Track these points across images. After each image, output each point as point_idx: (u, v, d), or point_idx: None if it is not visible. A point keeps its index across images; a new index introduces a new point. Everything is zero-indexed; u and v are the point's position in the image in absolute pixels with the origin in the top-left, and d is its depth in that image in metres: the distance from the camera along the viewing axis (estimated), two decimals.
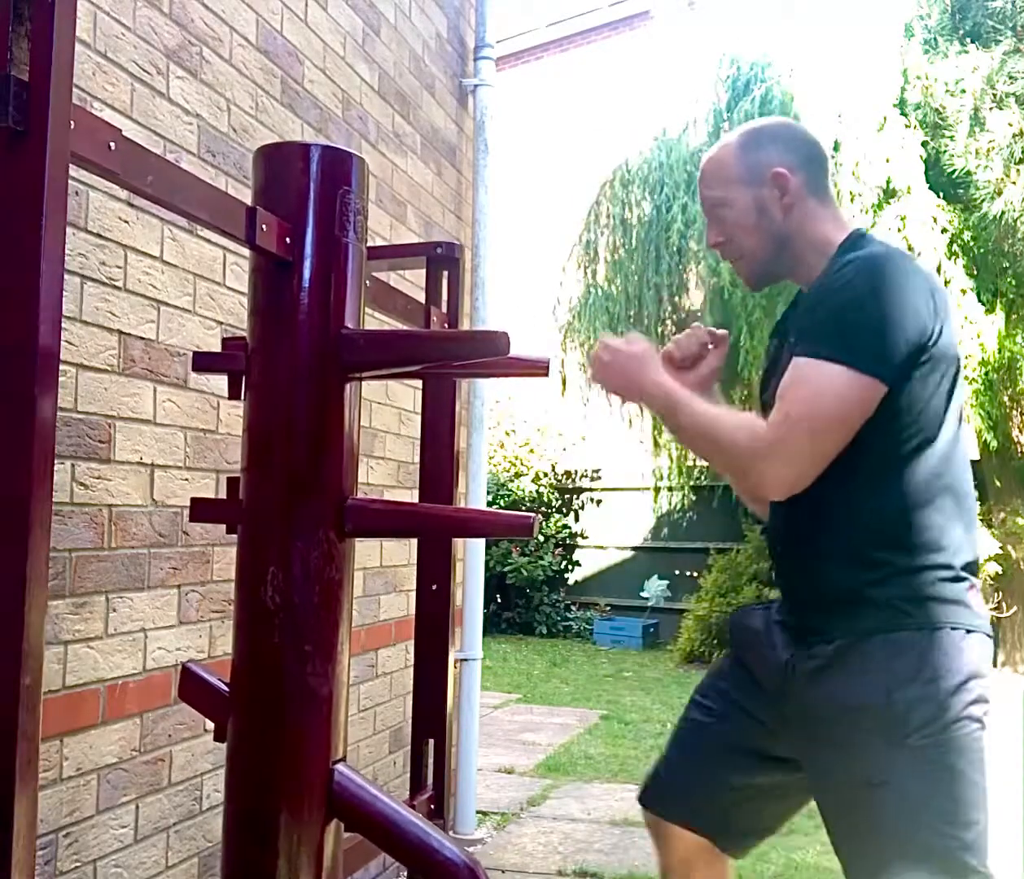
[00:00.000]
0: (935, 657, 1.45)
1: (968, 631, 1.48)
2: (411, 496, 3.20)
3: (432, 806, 1.93)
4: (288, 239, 1.30)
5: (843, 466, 1.48)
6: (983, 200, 6.87)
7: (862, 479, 1.49)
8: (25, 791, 0.97)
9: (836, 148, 7.36)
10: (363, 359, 1.36)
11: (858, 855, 1.50)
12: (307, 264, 1.32)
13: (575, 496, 11.11)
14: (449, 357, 1.52)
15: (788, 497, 1.53)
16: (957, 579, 1.49)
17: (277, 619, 1.28)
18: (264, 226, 1.26)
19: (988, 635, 1.53)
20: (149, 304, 2.04)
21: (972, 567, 1.52)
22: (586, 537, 10.86)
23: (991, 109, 6.86)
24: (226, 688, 1.37)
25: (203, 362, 1.74)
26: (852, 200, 7.30)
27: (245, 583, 1.33)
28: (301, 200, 1.33)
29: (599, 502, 10.88)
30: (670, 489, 9.60)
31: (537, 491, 10.82)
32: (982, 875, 1.48)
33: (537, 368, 1.75)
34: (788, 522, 1.61)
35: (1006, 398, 7.82)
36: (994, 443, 7.61)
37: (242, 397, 1.38)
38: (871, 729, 1.46)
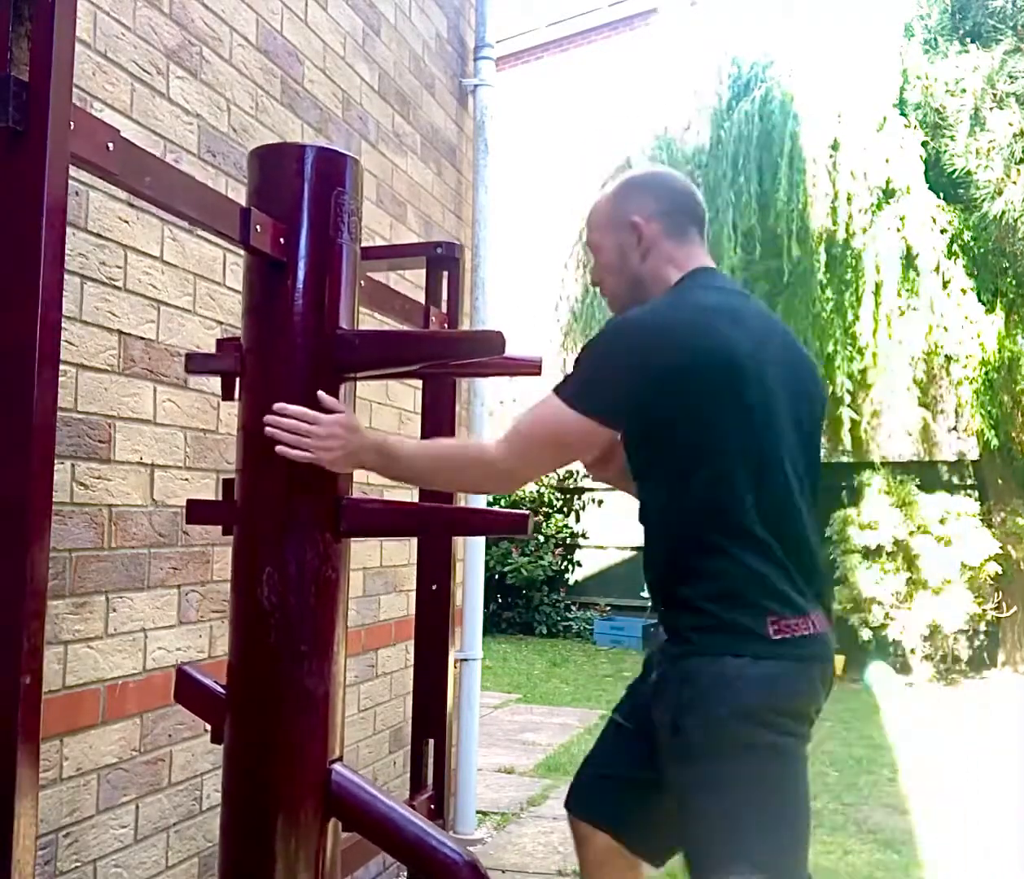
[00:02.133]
0: (716, 686, 1.49)
1: (755, 659, 1.49)
2: (411, 496, 3.20)
3: (432, 806, 1.93)
4: (282, 240, 1.30)
5: (651, 497, 1.63)
6: (983, 200, 6.88)
7: (653, 509, 1.63)
8: (25, 791, 0.97)
9: (836, 148, 7.36)
10: (357, 359, 1.36)
11: (688, 860, 1.58)
12: (301, 264, 1.32)
13: (576, 496, 11.10)
14: (444, 357, 1.52)
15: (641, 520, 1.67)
16: (745, 608, 1.51)
17: (273, 619, 1.29)
18: (258, 227, 1.27)
19: (793, 659, 1.52)
20: (149, 304, 2.04)
21: (771, 594, 1.52)
22: (587, 537, 10.86)
23: (991, 109, 6.86)
24: (221, 690, 1.37)
25: (196, 364, 1.75)
26: (851, 200, 7.30)
27: (241, 584, 1.33)
28: (295, 201, 1.33)
29: (600, 502, 10.88)
30: None
31: (538, 491, 10.82)
32: None
33: (530, 367, 1.76)
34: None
35: (1006, 398, 7.81)
36: (994, 443, 7.61)
37: (236, 398, 1.38)
38: (669, 754, 1.55)
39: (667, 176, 1.88)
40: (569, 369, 1.63)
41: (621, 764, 1.77)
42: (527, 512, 1.46)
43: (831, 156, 7.36)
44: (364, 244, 1.53)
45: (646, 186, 1.78)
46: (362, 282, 1.46)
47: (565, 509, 11.02)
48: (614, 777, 1.78)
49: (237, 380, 1.40)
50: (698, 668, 1.52)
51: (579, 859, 1.83)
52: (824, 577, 1.65)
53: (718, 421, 1.55)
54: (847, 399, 7.59)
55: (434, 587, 1.99)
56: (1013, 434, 8.03)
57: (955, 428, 8.51)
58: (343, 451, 1.46)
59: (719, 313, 1.61)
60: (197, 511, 1.55)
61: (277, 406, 1.39)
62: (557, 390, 1.59)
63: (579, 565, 10.90)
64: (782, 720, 1.51)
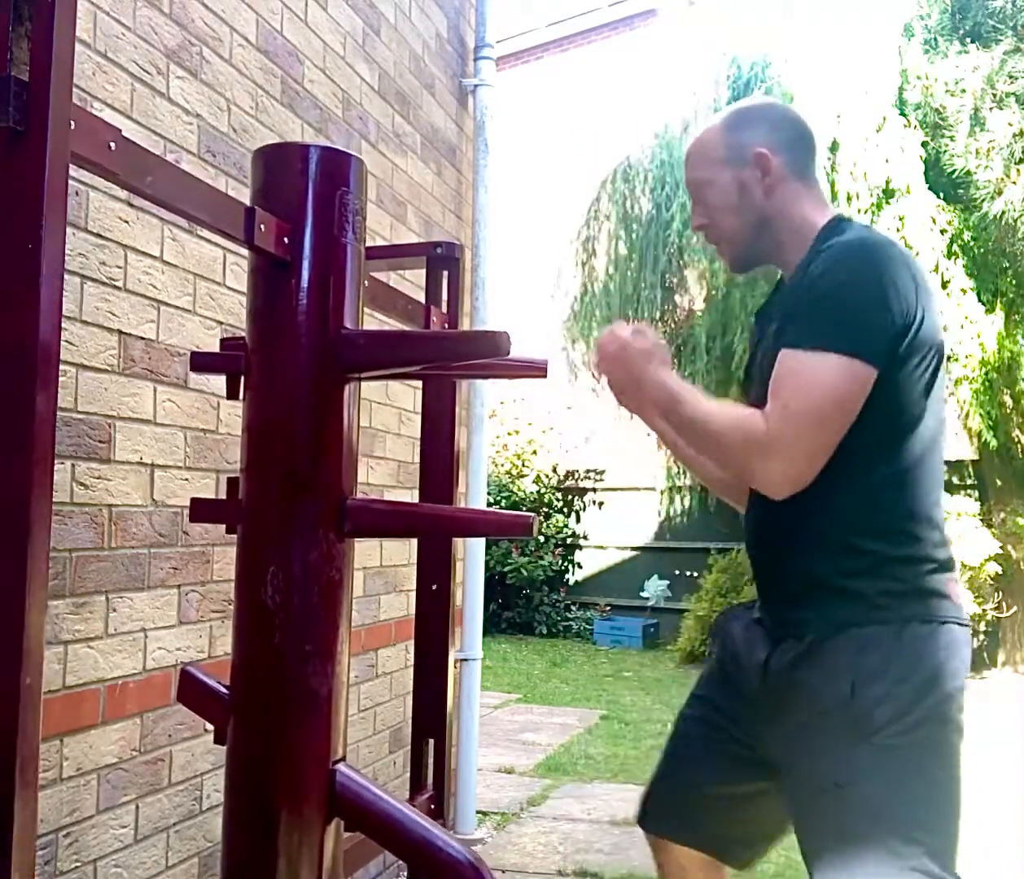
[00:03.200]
0: (904, 653, 1.41)
1: (942, 623, 1.43)
2: (411, 496, 3.20)
3: (432, 806, 1.92)
4: (287, 239, 1.30)
5: (845, 448, 1.45)
6: (983, 200, 6.88)
7: (840, 468, 1.45)
8: (25, 791, 0.97)
9: (835, 148, 7.36)
10: (362, 359, 1.36)
11: (822, 856, 1.45)
12: (306, 264, 1.32)
13: (576, 497, 11.10)
14: (449, 357, 1.52)
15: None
16: (932, 572, 1.45)
17: (277, 619, 1.28)
18: (262, 226, 1.26)
19: (964, 625, 1.47)
20: (149, 304, 2.04)
21: (948, 559, 1.49)
22: (587, 539, 10.86)
23: (991, 109, 6.86)
24: (225, 690, 1.37)
25: (201, 362, 1.75)
26: (850, 200, 7.31)
27: (245, 583, 1.33)
28: (300, 200, 1.33)
29: (601, 504, 10.88)
30: (671, 490, 9.59)
31: (538, 492, 10.82)
32: None
33: (535, 369, 1.75)
34: (765, 513, 1.58)
35: (1006, 398, 7.81)
36: (994, 443, 7.61)
37: (241, 397, 1.38)
38: (837, 727, 1.42)
39: (784, 107, 1.74)
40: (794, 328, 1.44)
41: (710, 770, 1.66)
42: (531, 514, 1.45)
43: (831, 156, 7.36)
44: (365, 244, 1.52)
45: (764, 116, 1.63)
46: (366, 282, 1.45)
47: (565, 510, 11.02)
48: (702, 788, 1.67)
49: (242, 379, 1.40)
50: (879, 635, 1.41)
51: (658, 868, 1.74)
52: None
53: (937, 369, 1.46)
54: None
55: (434, 587, 1.98)
56: (1013, 434, 8.03)
57: (955, 428, 8.51)
58: (626, 375, 1.53)
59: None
60: (201, 510, 1.54)
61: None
62: (809, 343, 1.40)
63: (579, 566, 10.90)
64: (960, 693, 1.44)
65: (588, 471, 11.08)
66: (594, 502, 10.98)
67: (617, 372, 1.59)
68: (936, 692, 1.41)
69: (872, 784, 1.39)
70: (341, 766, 1.32)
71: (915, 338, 1.43)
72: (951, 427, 8.49)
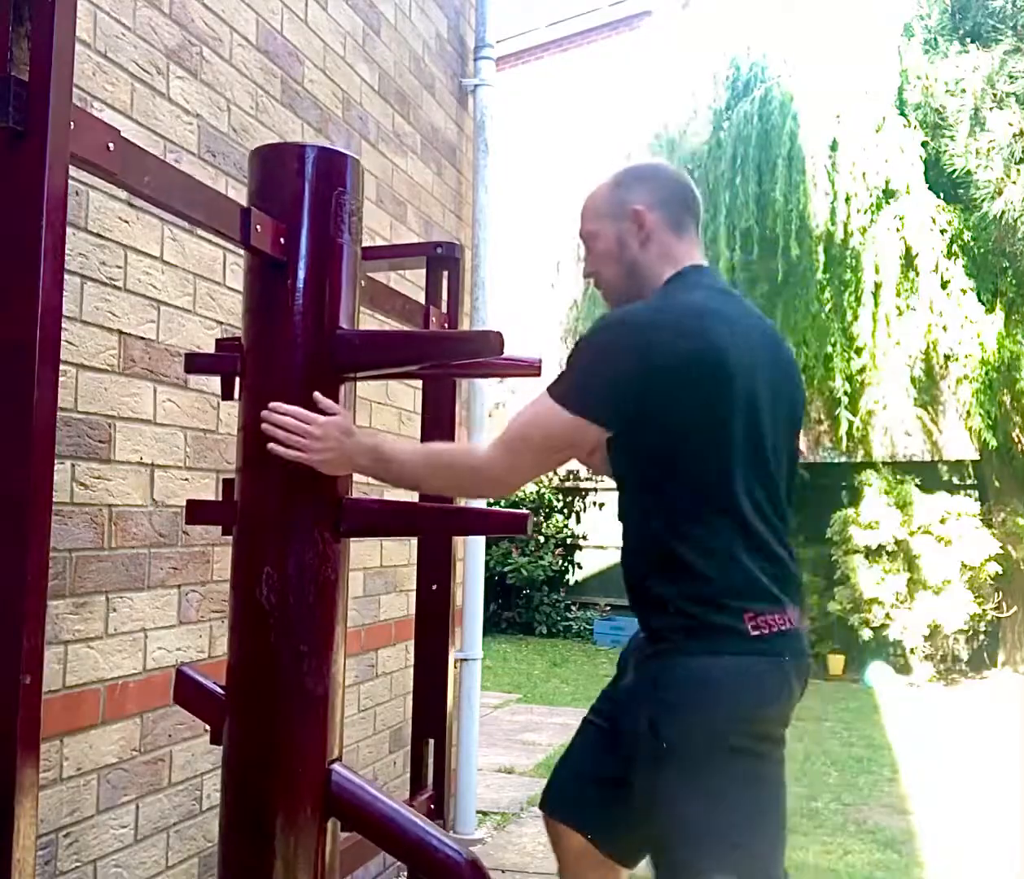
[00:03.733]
0: (696, 687, 1.49)
1: (734, 654, 1.50)
2: (412, 496, 3.20)
3: (432, 806, 1.93)
4: (283, 239, 1.30)
5: (628, 498, 1.62)
6: (983, 200, 6.88)
7: (636, 512, 1.61)
8: (25, 791, 0.97)
9: (835, 148, 7.36)
10: (357, 359, 1.36)
11: (655, 867, 1.57)
12: (302, 264, 1.32)
13: (577, 498, 11.10)
14: (443, 357, 1.52)
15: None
16: (726, 605, 1.51)
17: (272, 619, 1.28)
18: (259, 226, 1.27)
19: (771, 655, 1.52)
20: (149, 304, 2.04)
21: (755, 590, 1.52)
22: (587, 539, 10.86)
23: (991, 109, 6.86)
24: (221, 691, 1.37)
25: (196, 364, 1.75)
26: (850, 201, 7.30)
27: (240, 583, 1.33)
28: (296, 201, 1.33)
29: (601, 505, 10.88)
30: None
31: (538, 492, 10.82)
32: None
33: (530, 369, 1.76)
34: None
35: (1006, 398, 7.81)
36: (994, 443, 7.61)
37: (235, 397, 1.38)
38: (642, 754, 1.53)
39: (665, 168, 1.88)
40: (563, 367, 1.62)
41: (595, 766, 1.77)
42: (527, 512, 1.45)
43: (830, 156, 7.36)
44: (364, 244, 1.53)
45: (646, 176, 1.78)
46: (362, 282, 1.46)
47: (565, 511, 11.02)
48: (588, 779, 1.77)
49: (237, 380, 1.40)
50: (674, 668, 1.52)
51: (556, 859, 1.82)
52: (799, 575, 1.64)
53: (708, 423, 1.55)
54: (845, 400, 7.59)
55: (434, 587, 1.98)
56: (1013, 434, 8.03)
57: (955, 428, 8.51)
58: (336, 454, 1.45)
59: (708, 314, 1.60)
60: (197, 511, 1.55)
61: (273, 404, 1.39)
62: (550, 390, 1.57)
63: (579, 567, 10.91)
64: (758, 723, 1.52)
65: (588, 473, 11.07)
66: (595, 503, 10.98)
67: (321, 455, 1.46)
68: (728, 722, 1.49)
69: (673, 809, 1.49)
70: (337, 766, 1.32)
71: (664, 402, 1.53)
72: (950, 426, 8.50)
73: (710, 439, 1.55)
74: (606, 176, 1.79)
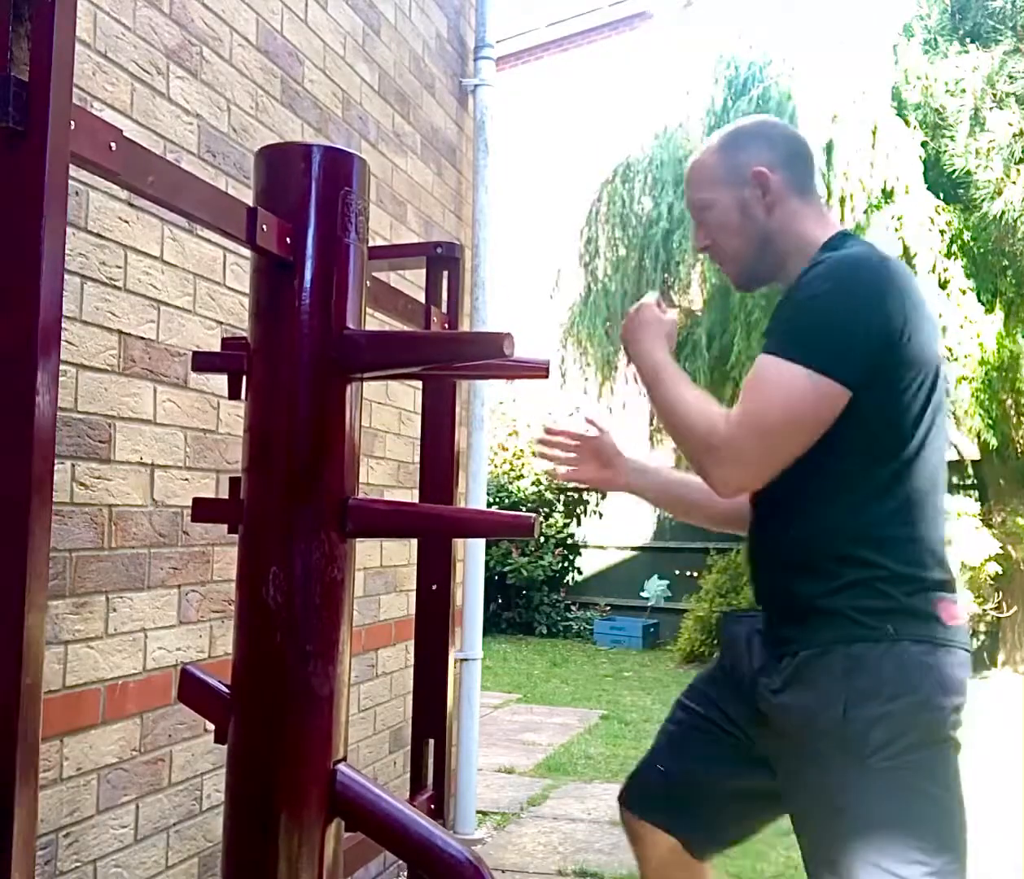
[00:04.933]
0: (896, 673, 1.39)
1: (934, 645, 1.42)
2: (411, 496, 3.20)
3: (432, 806, 1.92)
4: (289, 239, 1.30)
5: (812, 472, 1.46)
6: (983, 200, 6.88)
7: (828, 486, 1.47)
8: (25, 791, 0.97)
9: (831, 149, 7.36)
10: (364, 360, 1.35)
11: (822, 875, 1.45)
12: (308, 264, 1.31)
13: (577, 500, 11.10)
14: (452, 358, 1.52)
15: (761, 501, 1.55)
16: (923, 591, 1.44)
17: (278, 619, 1.28)
18: (265, 226, 1.26)
19: (961, 649, 1.45)
20: (149, 304, 2.04)
21: (943, 580, 1.47)
22: (587, 546, 10.85)
23: (991, 109, 6.86)
24: (226, 690, 1.37)
25: (203, 362, 1.74)
26: (844, 202, 7.30)
27: (246, 583, 1.33)
28: (302, 200, 1.33)
29: (601, 515, 10.88)
30: None
31: (538, 493, 10.82)
32: None
33: (537, 370, 1.75)
34: (759, 531, 1.60)
35: (1006, 398, 7.81)
36: (994, 443, 7.61)
37: (242, 397, 1.38)
38: (831, 748, 1.41)
39: (779, 124, 1.75)
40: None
41: (691, 760, 1.68)
42: (532, 515, 1.45)
43: (828, 156, 7.35)
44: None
45: (761, 134, 1.63)
46: (368, 282, 1.45)
47: (565, 512, 11.02)
48: (682, 776, 1.68)
49: (244, 379, 1.39)
50: (869, 654, 1.40)
51: (637, 858, 1.73)
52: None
53: (929, 389, 1.45)
54: None
55: (434, 587, 1.98)
56: (1013, 434, 8.03)
57: (955, 428, 8.51)
58: (631, 338, 1.61)
59: (912, 275, 1.52)
60: (203, 509, 1.54)
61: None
62: (784, 353, 1.40)
63: (579, 572, 10.91)
64: (955, 712, 1.42)
65: None
66: (595, 511, 10.98)
67: (624, 335, 1.66)
68: (929, 712, 1.40)
69: (869, 807, 1.38)
70: (342, 766, 1.32)
71: (901, 358, 1.42)
72: (950, 427, 8.51)
73: (923, 417, 1.45)
74: (714, 138, 1.67)
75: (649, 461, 1.89)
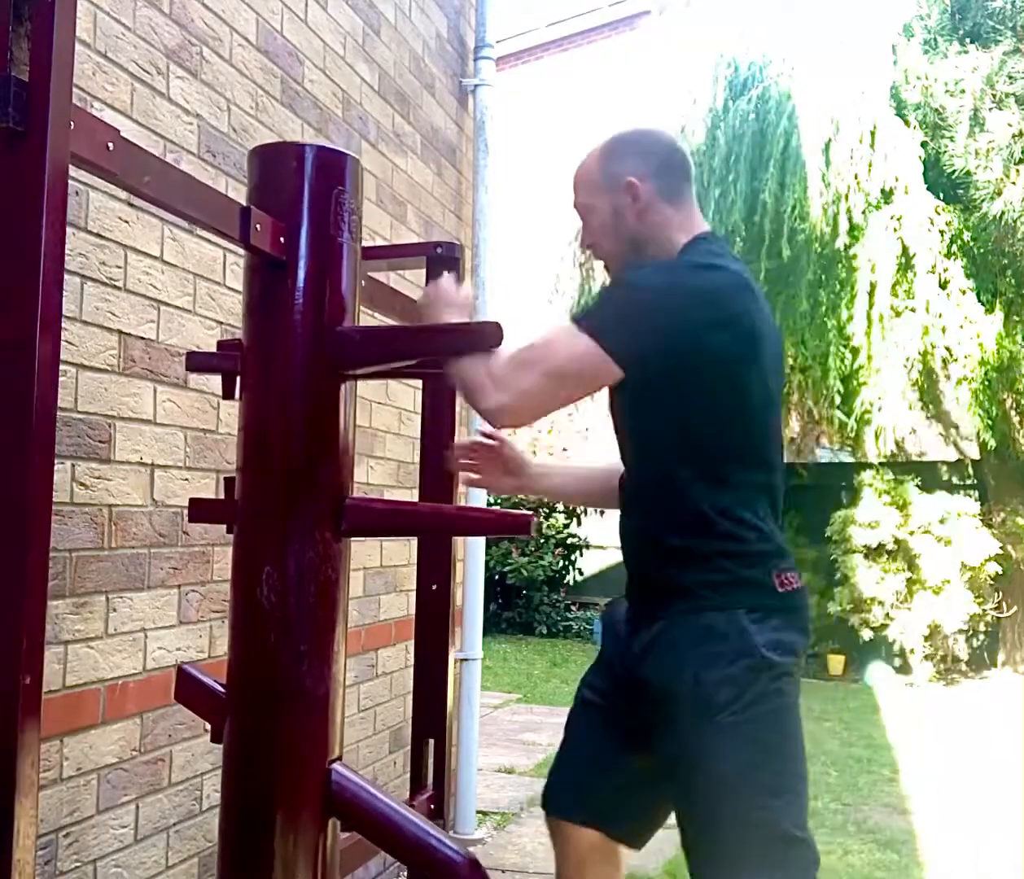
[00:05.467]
0: (737, 639, 1.53)
1: (768, 611, 1.55)
2: (411, 496, 3.20)
3: (432, 806, 1.93)
4: (282, 239, 1.30)
5: (644, 456, 1.64)
6: (983, 200, 6.88)
7: (658, 468, 1.62)
8: (25, 791, 0.97)
9: (830, 148, 7.36)
10: (358, 357, 1.36)
11: (692, 836, 1.57)
12: (302, 263, 1.32)
13: None
14: (443, 351, 1.52)
15: (622, 492, 1.72)
16: (759, 564, 1.58)
17: (273, 619, 1.28)
18: (258, 226, 1.26)
19: (794, 611, 1.59)
20: (149, 304, 2.04)
21: (775, 551, 1.60)
22: (588, 547, 10.85)
23: (991, 109, 6.86)
24: (222, 689, 1.37)
25: (197, 362, 1.74)
26: (847, 200, 7.30)
27: (241, 583, 1.33)
28: (295, 200, 1.33)
29: (602, 512, 10.86)
30: None
31: None
32: (800, 840, 1.54)
33: None
34: (622, 515, 1.73)
35: (1005, 398, 7.81)
36: (993, 443, 7.61)
37: (236, 397, 1.38)
38: (682, 711, 1.54)
39: (655, 133, 1.85)
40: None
41: (598, 748, 1.76)
42: (530, 513, 1.45)
43: (827, 155, 7.36)
44: (364, 244, 1.53)
45: (636, 144, 1.76)
46: (362, 282, 1.46)
47: (566, 512, 11.01)
48: (591, 765, 1.76)
49: (238, 379, 1.40)
50: (714, 623, 1.54)
51: (558, 858, 1.81)
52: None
53: (742, 386, 1.59)
54: (838, 400, 7.59)
55: (434, 587, 1.98)
56: (1012, 434, 8.03)
57: (955, 428, 8.51)
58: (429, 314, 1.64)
59: (743, 283, 1.64)
60: (200, 510, 1.55)
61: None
62: (578, 320, 1.56)
63: (579, 572, 10.91)
64: (792, 669, 1.57)
65: None
66: (596, 510, 10.96)
67: (421, 312, 1.71)
68: (768, 671, 1.53)
69: (720, 762, 1.52)
70: (337, 765, 1.32)
71: (704, 356, 1.55)
72: (949, 426, 8.51)
73: (745, 405, 1.60)
74: (595, 145, 1.78)
75: (553, 463, 1.98)
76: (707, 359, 1.55)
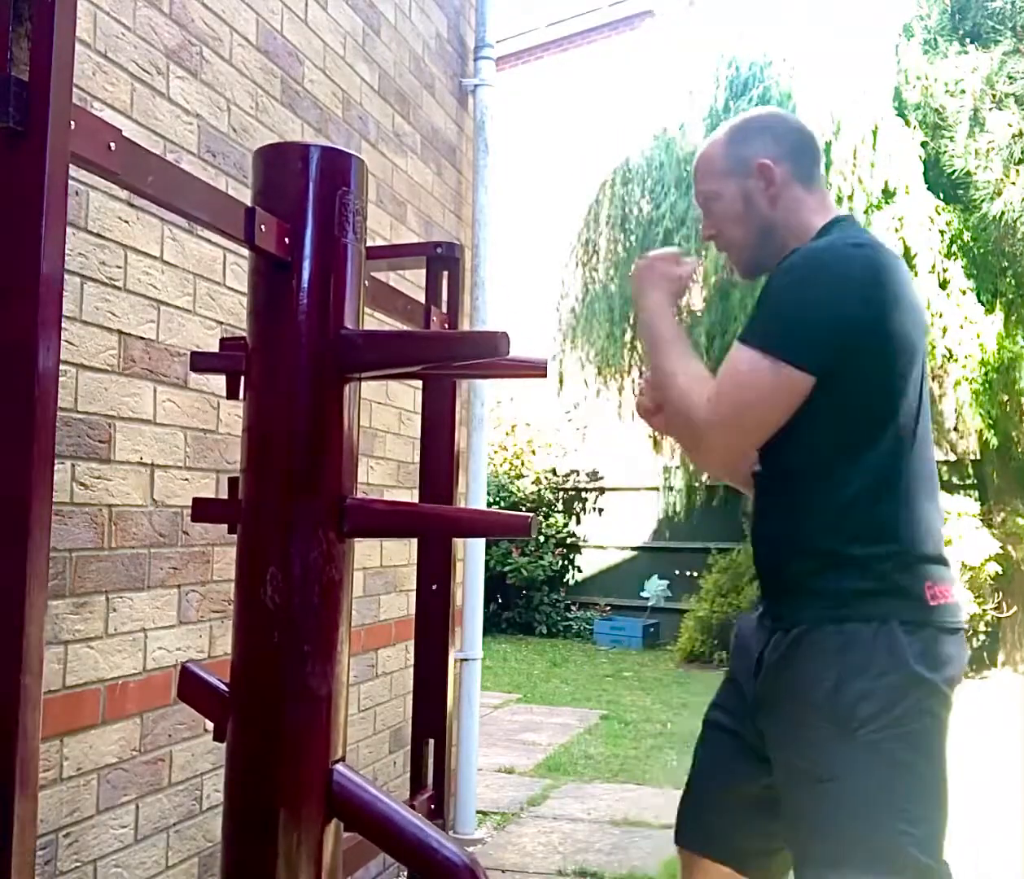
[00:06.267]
0: (885, 651, 1.43)
1: (920, 624, 1.46)
2: (411, 496, 3.20)
3: (432, 806, 1.93)
4: (287, 239, 1.30)
5: (801, 454, 1.51)
6: (983, 200, 6.88)
7: (816, 468, 1.51)
8: (25, 791, 0.97)
9: (832, 148, 7.36)
10: (362, 359, 1.36)
11: (807, 852, 1.48)
12: (306, 264, 1.32)
13: (576, 498, 11.09)
14: (449, 358, 1.52)
15: (759, 481, 1.62)
16: (910, 571, 1.48)
17: (276, 619, 1.28)
18: (263, 226, 1.26)
19: (950, 627, 1.49)
20: (149, 304, 2.04)
21: (931, 558, 1.51)
22: (587, 543, 10.85)
23: (991, 109, 6.86)
24: (225, 688, 1.37)
25: (201, 362, 1.74)
26: (841, 201, 7.29)
27: (245, 583, 1.33)
28: (300, 200, 1.33)
29: (601, 510, 10.88)
30: (669, 489, 9.59)
31: (538, 492, 10.82)
32: (934, 870, 1.43)
33: (536, 369, 1.75)
34: (758, 511, 1.65)
35: (1005, 398, 7.81)
36: (994, 442, 7.61)
37: (240, 397, 1.38)
38: (821, 721, 1.45)
39: (785, 115, 1.79)
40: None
41: (727, 778, 1.67)
42: (529, 514, 1.44)
43: (829, 156, 7.35)
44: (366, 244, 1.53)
45: (767, 127, 1.67)
46: (366, 282, 1.45)
47: (565, 512, 11.02)
48: (722, 797, 1.67)
49: (242, 379, 1.40)
50: (860, 633, 1.44)
51: None
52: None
53: (907, 373, 1.49)
54: None
55: (434, 587, 1.98)
56: (1013, 434, 8.03)
57: (955, 428, 8.51)
58: (638, 288, 1.63)
59: (896, 259, 1.55)
60: (202, 509, 1.54)
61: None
62: (754, 341, 1.47)
63: (579, 570, 10.91)
64: (944, 689, 1.46)
65: (589, 473, 11.07)
66: (595, 507, 10.97)
67: (633, 282, 1.69)
68: (917, 688, 1.44)
69: (855, 779, 1.42)
70: (339, 766, 1.32)
71: (873, 344, 1.46)
72: (950, 426, 8.50)
73: (908, 399, 1.49)
74: (719, 131, 1.71)
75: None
76: (882, 345, 1.46)
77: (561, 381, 8.98)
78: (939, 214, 7.36)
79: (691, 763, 1.76)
